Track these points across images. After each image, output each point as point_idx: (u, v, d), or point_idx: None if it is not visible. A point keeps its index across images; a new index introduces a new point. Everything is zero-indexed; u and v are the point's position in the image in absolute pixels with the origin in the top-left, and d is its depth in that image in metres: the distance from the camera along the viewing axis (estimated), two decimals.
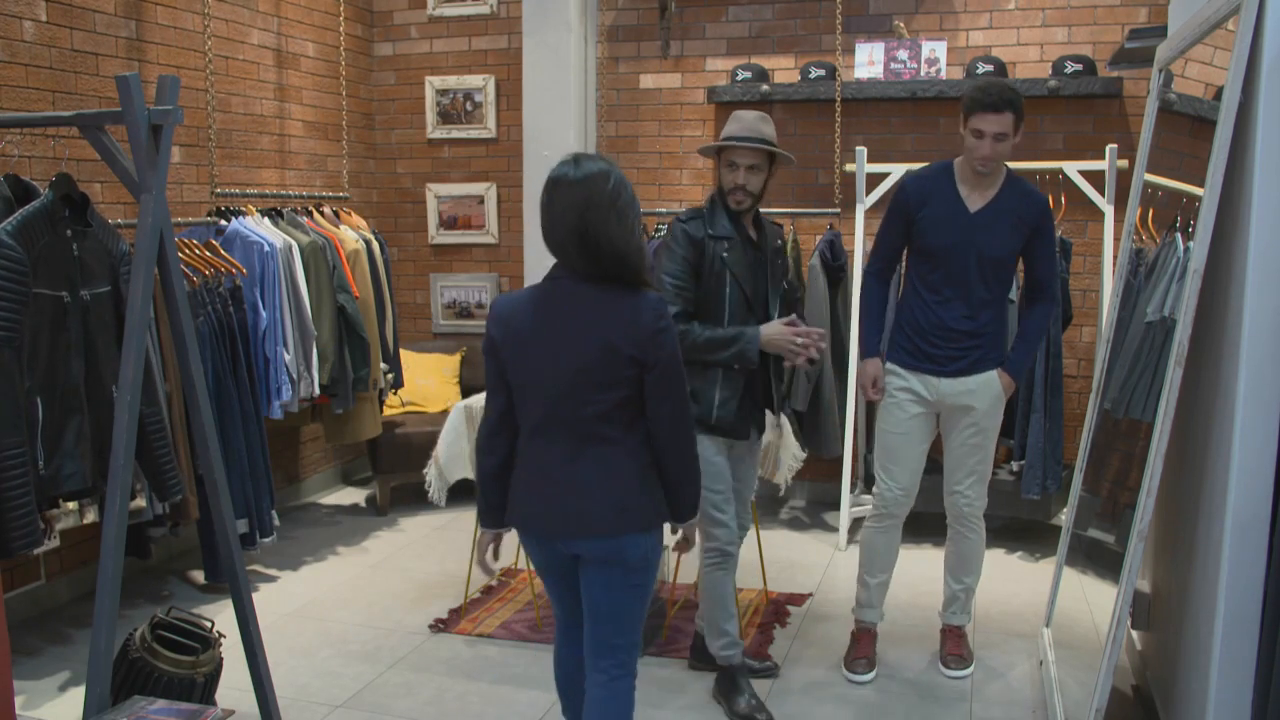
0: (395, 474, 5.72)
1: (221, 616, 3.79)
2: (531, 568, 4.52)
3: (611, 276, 2.52)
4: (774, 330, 3.37)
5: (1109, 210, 4.97)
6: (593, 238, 2.47)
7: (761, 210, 3.58)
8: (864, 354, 3.82)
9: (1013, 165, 5.08)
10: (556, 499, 2.59)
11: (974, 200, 3.60)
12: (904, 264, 3.98)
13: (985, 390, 3.67)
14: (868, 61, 5.57)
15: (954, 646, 3.90)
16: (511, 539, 4.86)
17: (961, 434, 3.73)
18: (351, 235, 5.38)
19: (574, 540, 2.60)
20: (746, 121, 3.44)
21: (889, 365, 3.78)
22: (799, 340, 3.34)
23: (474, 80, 6.36)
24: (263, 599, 4.45)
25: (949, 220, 3.59)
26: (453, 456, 4.14)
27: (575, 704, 2.86)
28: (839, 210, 5.66)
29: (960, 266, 3.59)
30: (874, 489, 3.87)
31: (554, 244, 2.56)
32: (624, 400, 2.52)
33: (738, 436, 3.51)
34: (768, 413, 3.66)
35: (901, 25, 5.58)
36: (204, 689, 3.19)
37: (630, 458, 2.56)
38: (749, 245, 3.49)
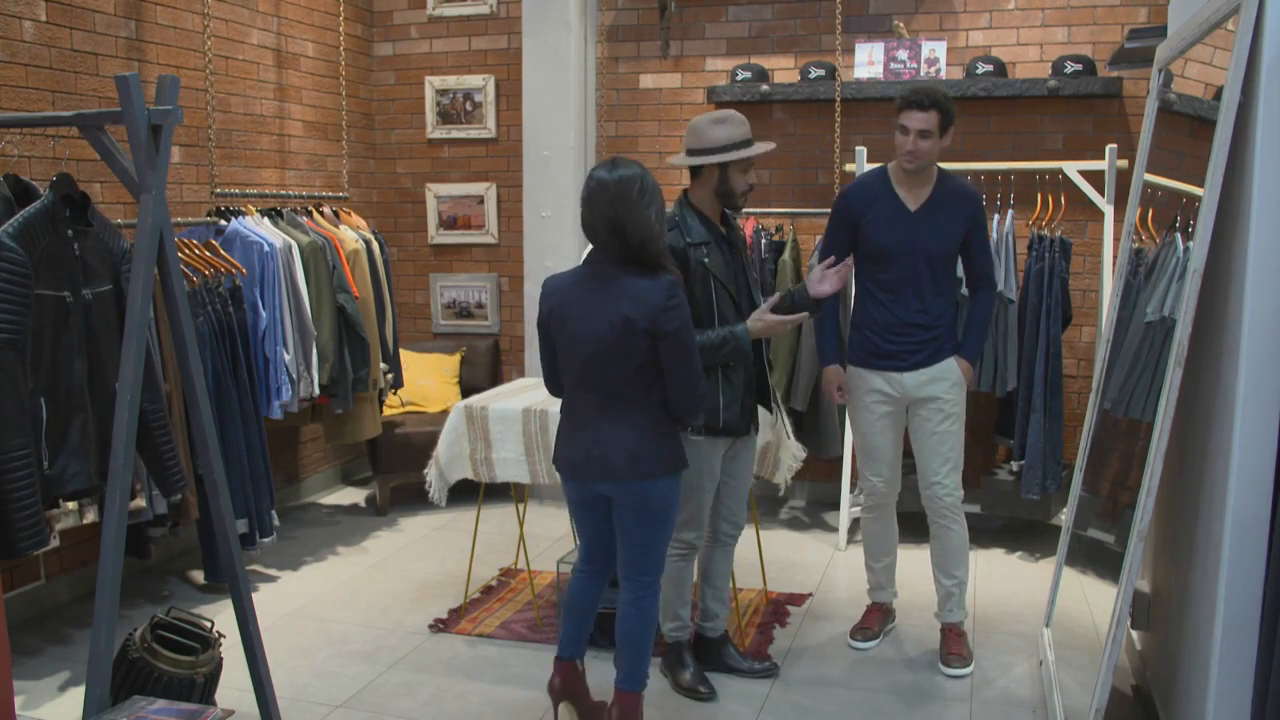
0: (395, 474, 5.72)
1: (221, 616, 3.79)
2: (532, 568, 4.53)
3: (635, 260, 3.00)
4: (764, 322, 3.43)
5: (1109, 210, 4.97)
6: (622, 225, 2.97)
7: (746, 209, 3.69)
8: (824, 361, 4.00)
9: (1013, 166, 5.15)
10: (586, 447, 3.10)
11: (912, 200, 3.79)
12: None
13: (946, 377, 3.83)
14: (867, 61, 5.57)
15: (954, 646, 3.92)
16: (508, 543, 4.84)
17: (930, 424, 3.85)
18: (351, 235, 5.38)
19: (600, 483, 3.10)
20: (738, 122, 3.48)
21: (851, 369, 3.95)
22: (789, 322, 3.45)
23: (474, 80, 6.36)
24: (262, 599, 4.45)
25: (892, 221, 3.78)
26: (453, 457, 4.13)
27: (576, 624, 3.33)
28: None
29: (909, 263, 3.77)
30: (860, 483, 4.11)
31: (591, 231, 3.06)
32: (641, 366, 3.00)
33: (732, 434, 3.58)
34: (765, 410, 3.73)
35: (901, 25, 5.58)
36: (204, 689, 3.18)
37: (646, 415, 3.05)
38: (723, 244, 3.55)
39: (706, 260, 3.45)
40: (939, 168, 3.83)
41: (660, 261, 3.02)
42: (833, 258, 3.63)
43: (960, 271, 3.97)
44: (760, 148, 3.49)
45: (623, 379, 3.02)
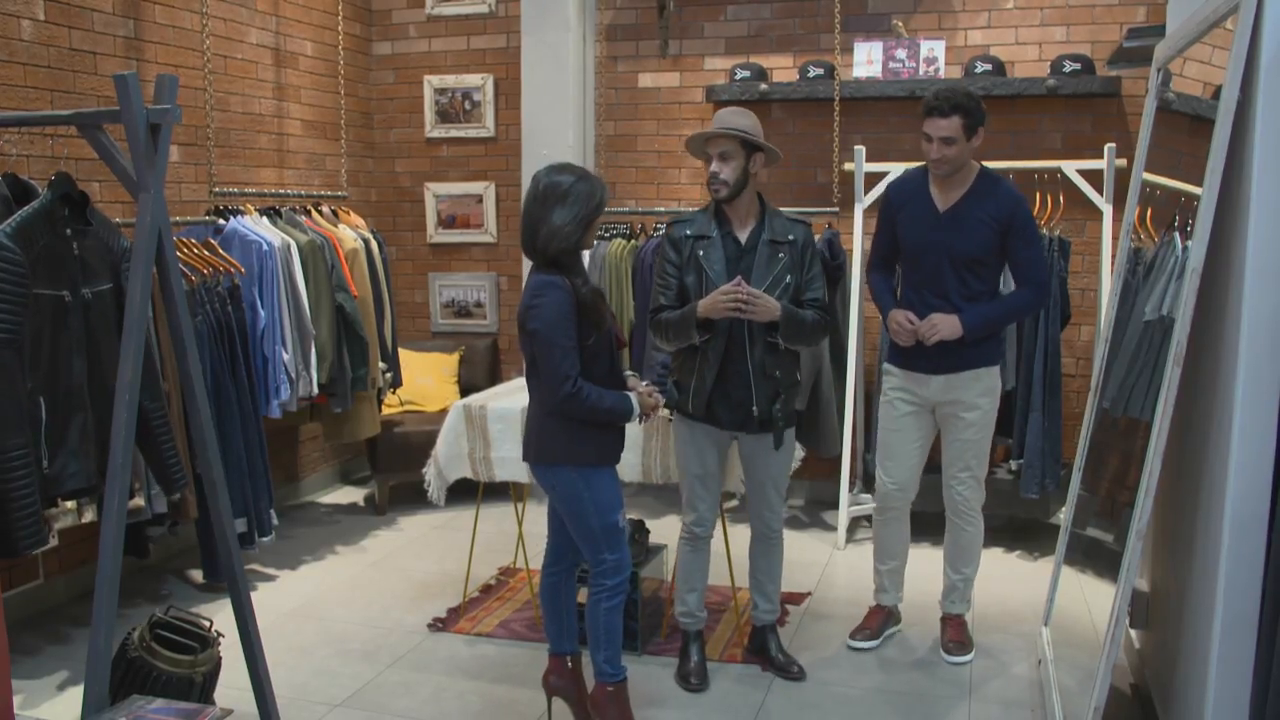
0: (394, 473, 5.72)
1: (220, 616, 3.79)
2: (530, 567, 4.53)
3: (541, 257, 3.14)
4: (709, 296, 3.47)
5: (1107, 209, 4.97)
6: (534, 223, 3.13)
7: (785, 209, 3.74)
8: (886, 310, 3.85)
9: (1012, 165, 5.15)
10: (525, 432, 3.33)
11: (943, 200, 3.73)
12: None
13: (974, 387, 3.76)
14: (866, 61, 5.56)
15: (955, 634, 3.98)
16: (507, 542, 4.83)
17: (955, 430, 3.83)
18: (350, 234, 5.38)
19: (531, 466, 3.31)
20: (720, 116, 3.62)
21: (886, 365, 3.90)
22: (725, 297, 3.42)
23: (472, 79, 6.36)
24: (261, 598, 4.44)
25: (920, 220, 3.75)
26: (452, 456, 4.13)
27: (554, 621, 3.46)
28: (837, 209, 5.67)
29: (934, 265, 3.71)
30: (875, 484, 4.06)
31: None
32: (533, 360, 3.16)
33: (719, 425, 3.61)
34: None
35: (900, 24, 5.58)
36: (202, 688, 3.18)
37: (541, 407, 3.21)
38: (729, 242, 3.58)
39: (701, 254, 3.56)
40: (982, 167, 3.77)
41: (560, 262, 3.12)
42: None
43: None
44: (701, 133, 3.60)
45: (528, 369, 3.22)
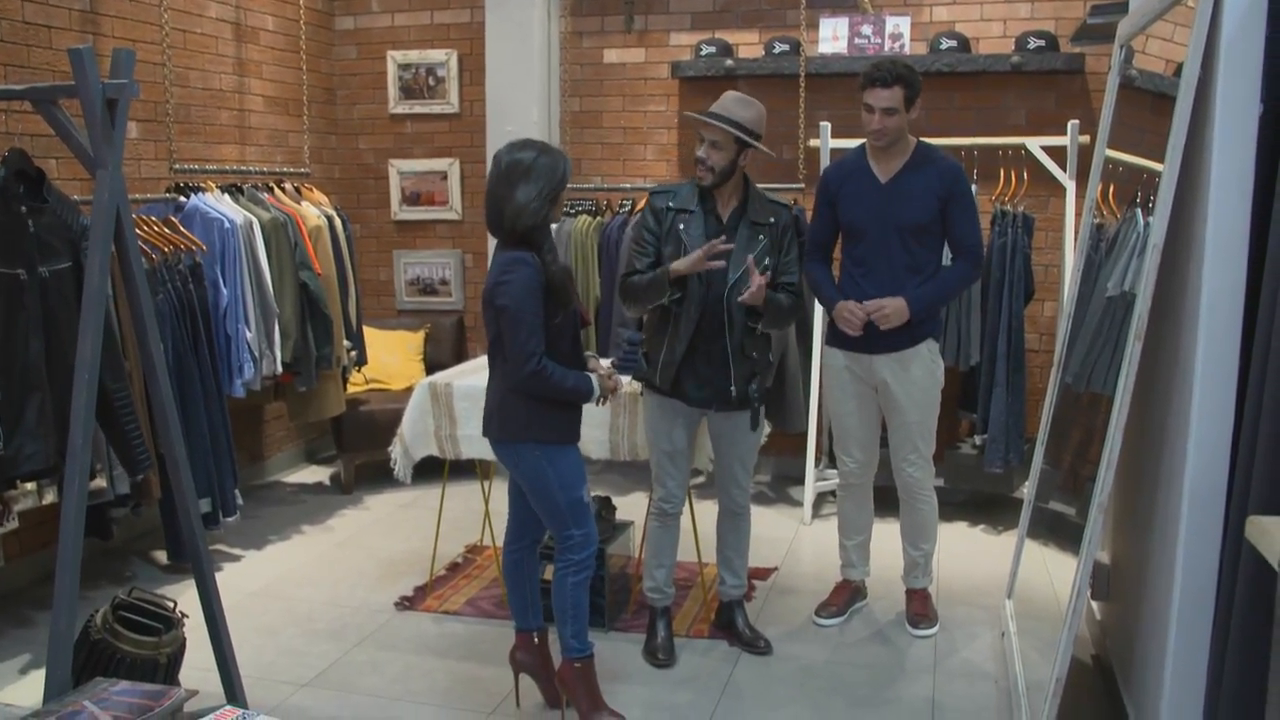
0: (359, 452, 5.69)
1: (184, 596, 3.76)
2: (497, 545, 4.53)
3: (508, 234, 3.11)
4: (688, 256, 3.43)
5: (1070, 185, 5.00)
6: (499, 201, 3.11)
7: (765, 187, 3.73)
8: (831, 304, 3.83)
9: (976, 141, 5.17)
10: (486, 407, 3.31)
11: (884, 172, 3.76)
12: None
13: (916, 365, 3.78)
14: (832, 37, 5.56)
15: (919, 607, 4.02)
16: (474, 520, 4.82)
17: (899, 410, 3.83)
18: (313, 212, 5.32)
19: (492, 443, 3.30)
20: (724, 100, 3.59)
21: (825, 348, 3.94)
22: (702, 258, 3.39)
23: (436, 55, 6.30)
24: (226, 578, 4.42)
25: (863, 194, 3.76)
26: (417, 434, 4.12)
27: (517, 598, 3.45)
28: (803, 186, 5.67)
29: (880, 237, 3.73)
30: (837, 463, 4.10)
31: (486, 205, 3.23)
32: (497, 336, 3.14)
33: (686, 401, 3.60)
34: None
35: (866, 0, 5.57)
36: (167, 669, 3.16)
37: (504, 382, 3.18)
38: (711, 218, 3.57)
39: (682, 227, 3.55)
40: (920, 140, 3.80)
41: (530, 238, 3.09)
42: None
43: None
44: (701, 116, 3.55)
45: (493, 345, 3.19)
